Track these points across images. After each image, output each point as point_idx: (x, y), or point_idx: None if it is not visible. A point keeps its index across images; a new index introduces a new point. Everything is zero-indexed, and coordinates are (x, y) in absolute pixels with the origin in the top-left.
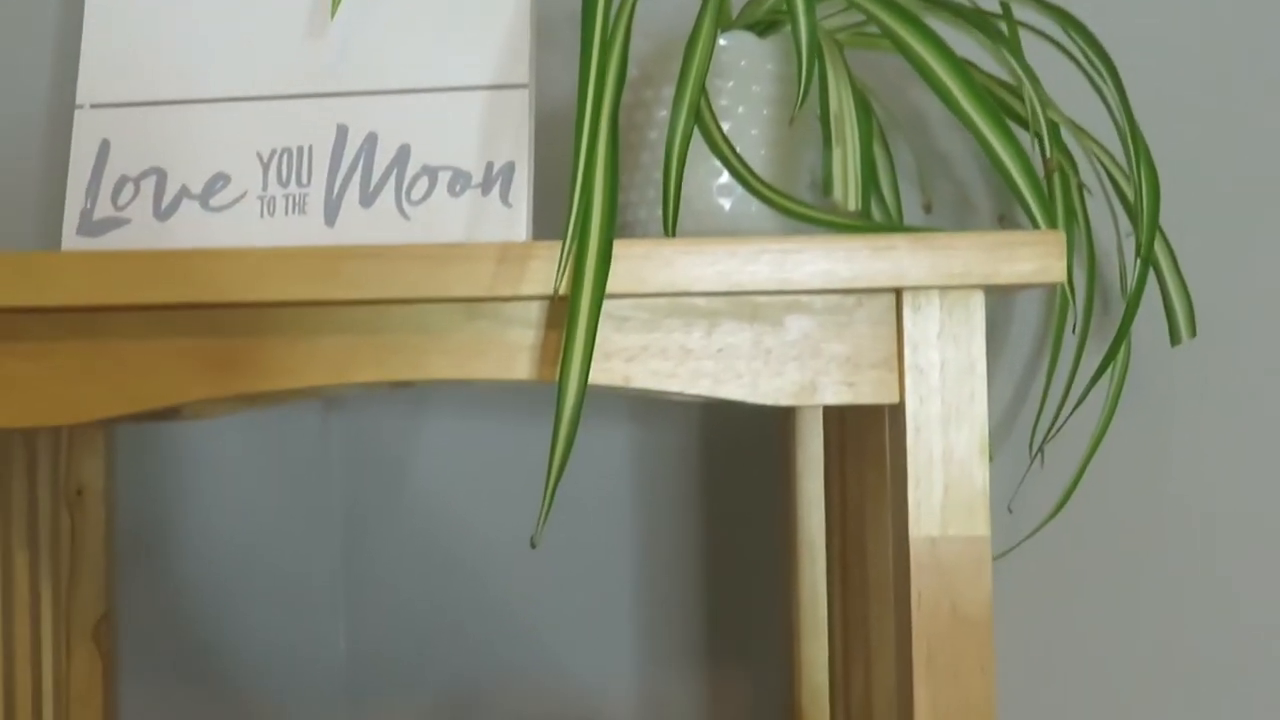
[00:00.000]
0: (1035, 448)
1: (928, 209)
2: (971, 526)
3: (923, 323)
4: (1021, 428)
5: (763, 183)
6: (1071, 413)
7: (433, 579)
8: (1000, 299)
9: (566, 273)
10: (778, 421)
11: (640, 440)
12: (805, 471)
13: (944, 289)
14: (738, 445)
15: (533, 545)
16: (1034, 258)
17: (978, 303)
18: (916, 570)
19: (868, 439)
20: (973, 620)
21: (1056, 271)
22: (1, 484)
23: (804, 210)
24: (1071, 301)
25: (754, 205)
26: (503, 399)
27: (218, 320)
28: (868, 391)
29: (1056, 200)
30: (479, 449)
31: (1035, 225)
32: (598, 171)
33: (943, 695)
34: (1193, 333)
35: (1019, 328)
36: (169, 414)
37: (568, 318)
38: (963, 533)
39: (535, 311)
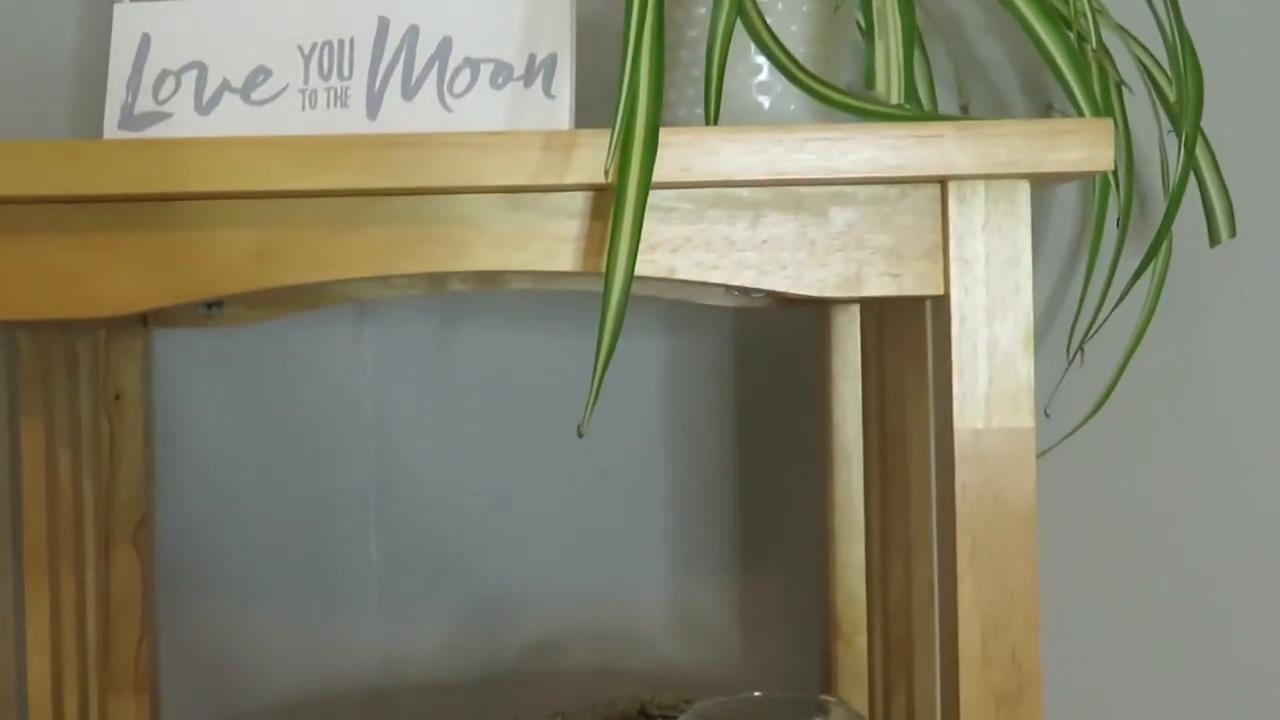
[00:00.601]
0: (1076, 346)
1: (964, 111)
2: (1016, 418)
3: (968, 214)
4: (1057, 334)
5: (807, 73)
6: (1111, 311)
7: (464, 489)
8: (1036, 203)
9: (614, 159)
10: (811, 328)
11: (673, 349)
12: (840, 375)
13: (989, 179)
14: (771, 352)
15: (580, 434)
16: (1081, 145)
17: (1023, 194)
18: (960, 463)
19: (908, 337)
20: (1016, 512)
21: (1103, 160)
22: (44, 386)
23: (848, 100)
24: (1116, 190)
25: (793, 104)
26: (533, 308)
27: (261, 211)
28: (912, 283)
29: (1096, 95)
30: (510, 360)
31: (1080, 114)
32: (644, 56)
33: (986, 588)
34: (1232, 233)
35: (1053, 236)
36: (207, 316)
37: (614, 204)
38: (1007, 424)
39: (579, 202)
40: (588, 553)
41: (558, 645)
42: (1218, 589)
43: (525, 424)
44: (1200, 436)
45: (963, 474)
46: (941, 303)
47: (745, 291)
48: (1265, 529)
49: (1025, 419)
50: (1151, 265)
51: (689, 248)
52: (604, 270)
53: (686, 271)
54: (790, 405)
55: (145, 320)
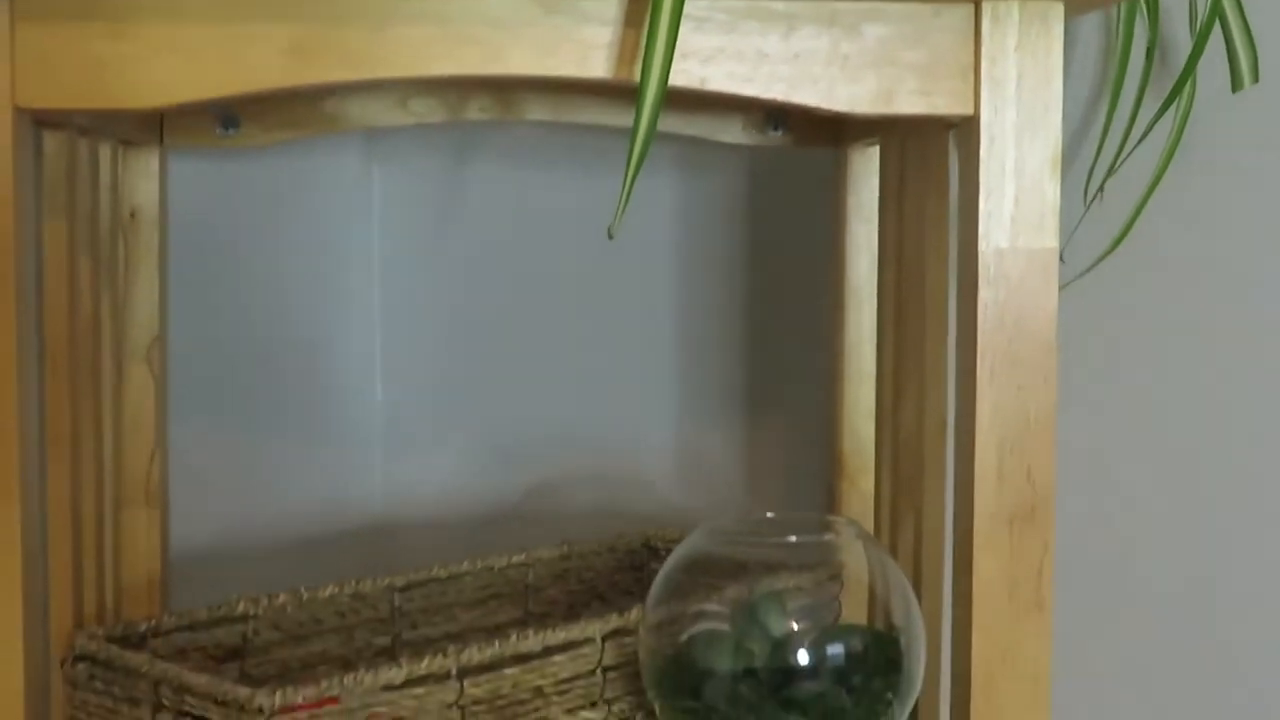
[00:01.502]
0: (1096, 187)
1: None
2: (1041, 239)
3: (1000, 34)
4: (1074, 180)
5: None
6: (1132, 150)
7: (470, 329)
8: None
9: None
10: (826, 169)
11: (686, 191)
12: (855, 216)
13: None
14: (785, 195)
15: (610, 236)
16: None
17: (1056, 15)
18: (984, 282)
19: (931, 168)
20: (1037, 333)
21: None
22: (68, 190)
23: None
24: (1143, 15)
25: None
26: (545, 148)
27: (296, 6)
28: (943, 102)
29: None
30: (521, 200)
31: None
32: None
33: (1004, 408)
34: (1255, 78)
35: (1074, 81)
36: (223, 136)
37: (650, 10)
38: (1031, 245)
39: (613, 9)
40: (594, 394)
41: (562, 486)
42: (1230, 423)
43: (535, 264)
44: (1216, 280)
45: (985, 294)
46: (970, 123)
47: (762, 128)
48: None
49: (1050, 240)
50: (1174, 104)
51: (721, 58)
52: (637, 78)
53: (718, 83)
54: (802, 248)
55: (161, 138)
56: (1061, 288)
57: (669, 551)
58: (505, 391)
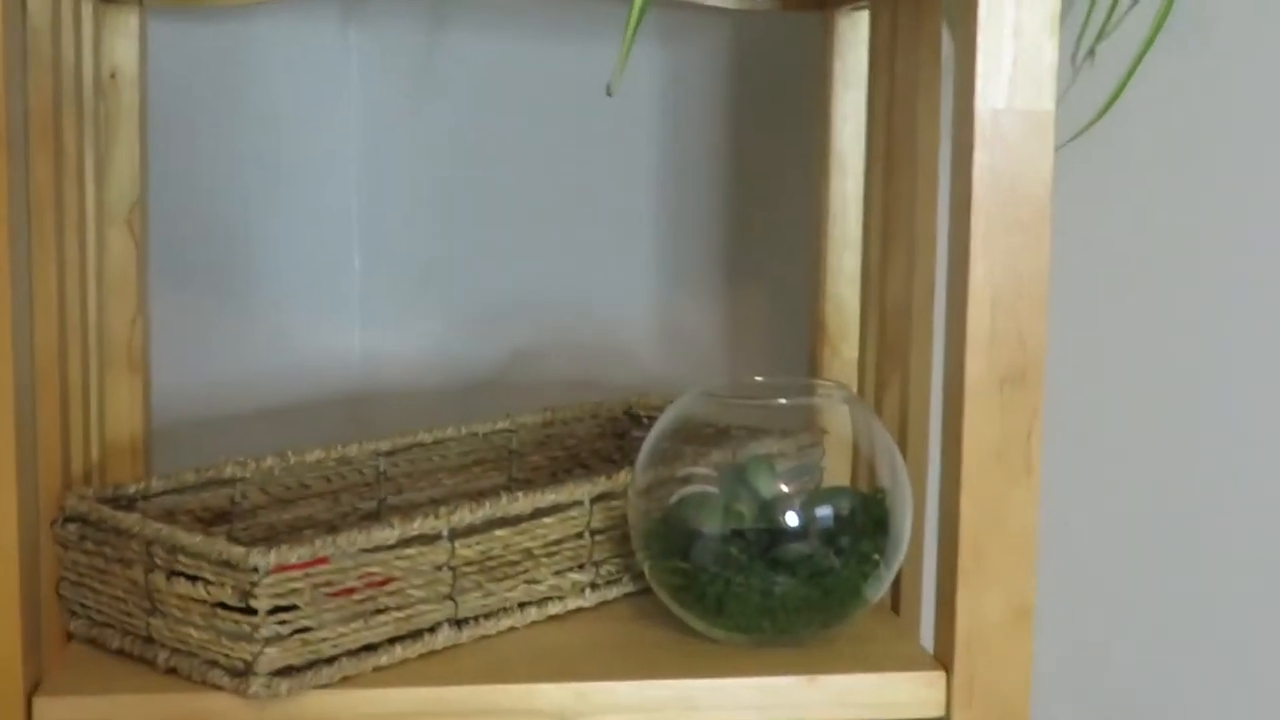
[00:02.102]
0: (1087, 49)
1: None
2: (1038, 100)
3: None
4: (1064, 41)
5: None
6: (1126, 12)
7: (450, 197)
8: None
9: None
10: (813, 35)
11: (670, 57)
12: (841, 82)
13: None
14: (770, 61)
15: (609, 93)
16: None
17: None
18: (980, 144)
19: (924, 30)
20: (1032, 194)
21: None
22: (52, 45)
23: None
24: None
25: None
26: (527, 14)
27: None
28: None
29: None
30: (503, 67)
31: None
32: None
33: (997, 270)
34: None
35: None
36: None
37: None
38: (1029, 106)
39: None
40: (574, 264)
41: (543, 355)
42: (1219, 289)
43: (516, 132)
44: (1206, 147)
45: (981, 155)
46: None
47: None
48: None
49: (1047, 101)
50: None
51: None
52: None
53: None
54: (787, 115)
55: None
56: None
57: (651, 419)
58: (485, 260)
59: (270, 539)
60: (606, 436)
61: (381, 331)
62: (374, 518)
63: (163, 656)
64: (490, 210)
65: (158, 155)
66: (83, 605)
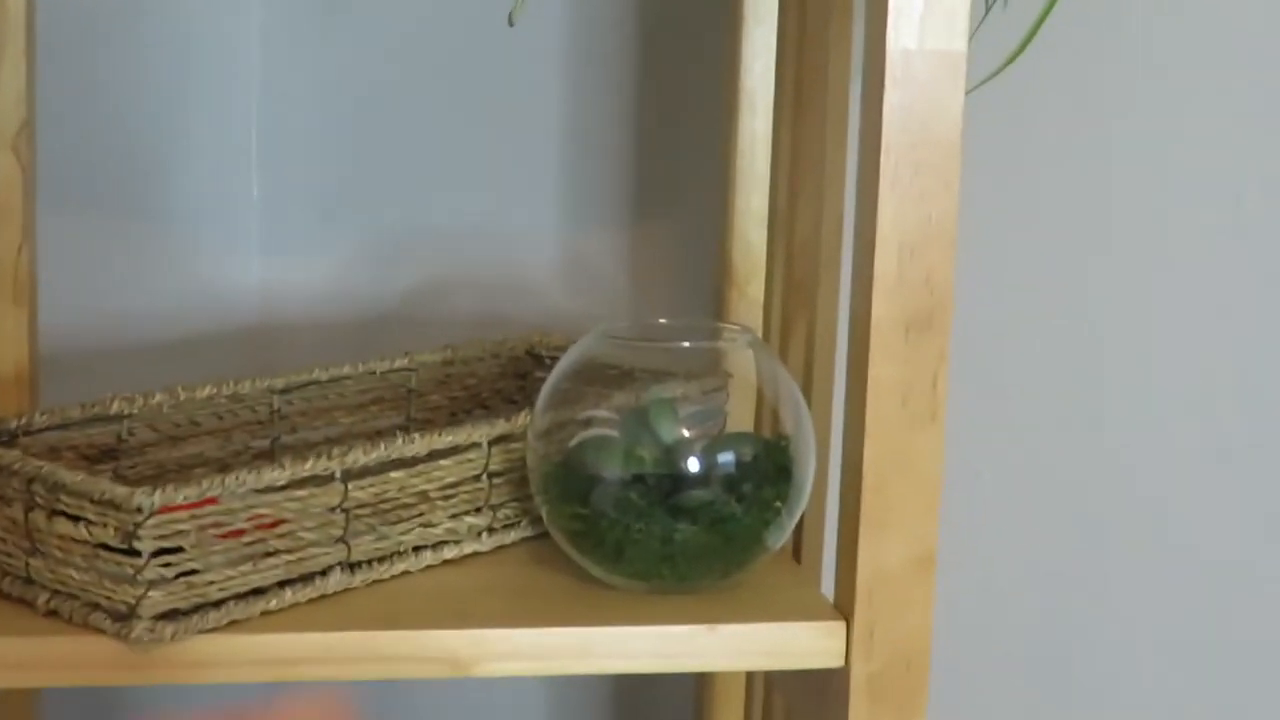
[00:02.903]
0: None
1: None
2: (950, 40)
3: None
4: None
5: None
6: None
7: (353, 125)
8: None
9: None
10: None
11: None
12: (753, 16)
13: None
14: None
15: (510, 22)
16: None
17: None
18: (890, 83)
19: None
20: (943, 137)
21: None
22: None
23: None
24: None
25: None
26: None
27: None
28: None
29: None
30: None
31: None
32: None
33: (906, 212)
34: None
35: None
36: None
37: None
38: (940, 46)
39: None
40: (479, 196)
41: (443, 290)
42: (1125, 227)
43: (420, 58)
44: (1119, 90)
45: (892, 96)
46: None
47: None
48: (1188, 175)
49: (959, 42)
50: None
51: None
52: None
53: None
54: (697, 49)
55: None
56: (969, 91)
57: (554, 359)
58: (388, 191)
59: (159, 477)
60: (508, 376)
61: (281, 263)
62: (267, 457)
63: (43, 598)
64: (393, 140)
65: (48, 75)
66: None
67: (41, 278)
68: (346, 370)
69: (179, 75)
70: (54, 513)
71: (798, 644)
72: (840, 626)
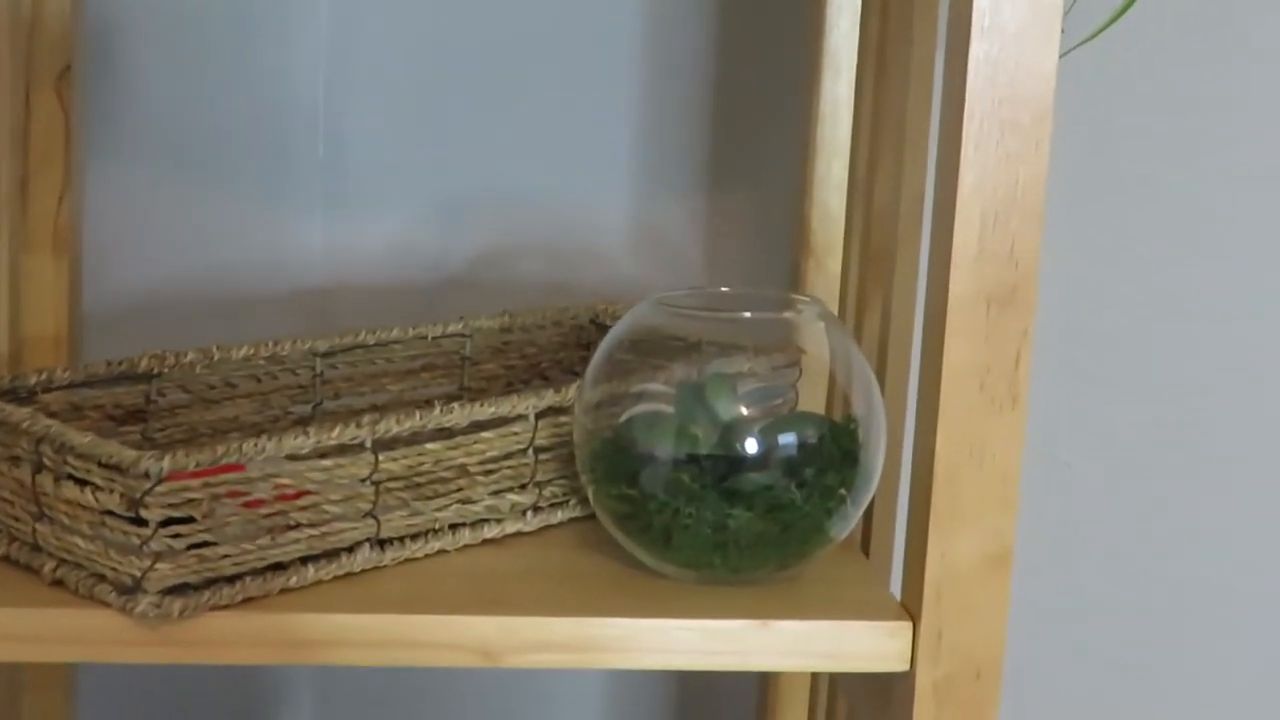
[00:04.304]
0: None
1: None
2: None
3: None
4: None
5: None
6: None
7: (422, 85)
8: None
9: None
10: None
11: None
12: None
13: None
14: None
15: None
16: None
17: None
18: (977, 34)
19: None
20: (1033, 94)
21: None
22: None
23: None
24: None
25: None
26: None
27: None
28: None
29: None
30: None
31: None
32: None
33: (989, 177)
34: None
35: None
36: None
37: None
38: None
39: None
40: (547, 161)
41: (510, 255)
42: (1219, 199)
43: (493, 20)
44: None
45: (978, 48)
46: None
47: None
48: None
49: None
50: None
51: None
52: None
53: None
54: (777, 10)
55: None
56: (1065, 54)
57: None
58: (455, 152)
59: (189, 442)
60: (570, 346)
61: (344, 224)
62: (306, 423)
63: (49, 567)
64: (463, 98)
65: (97, 14)
66: None
67: (91, 233)
68: (395, 334)
69: (244, 25)
70: (61, 476)
71: (858, 645)
72: (905, 627)
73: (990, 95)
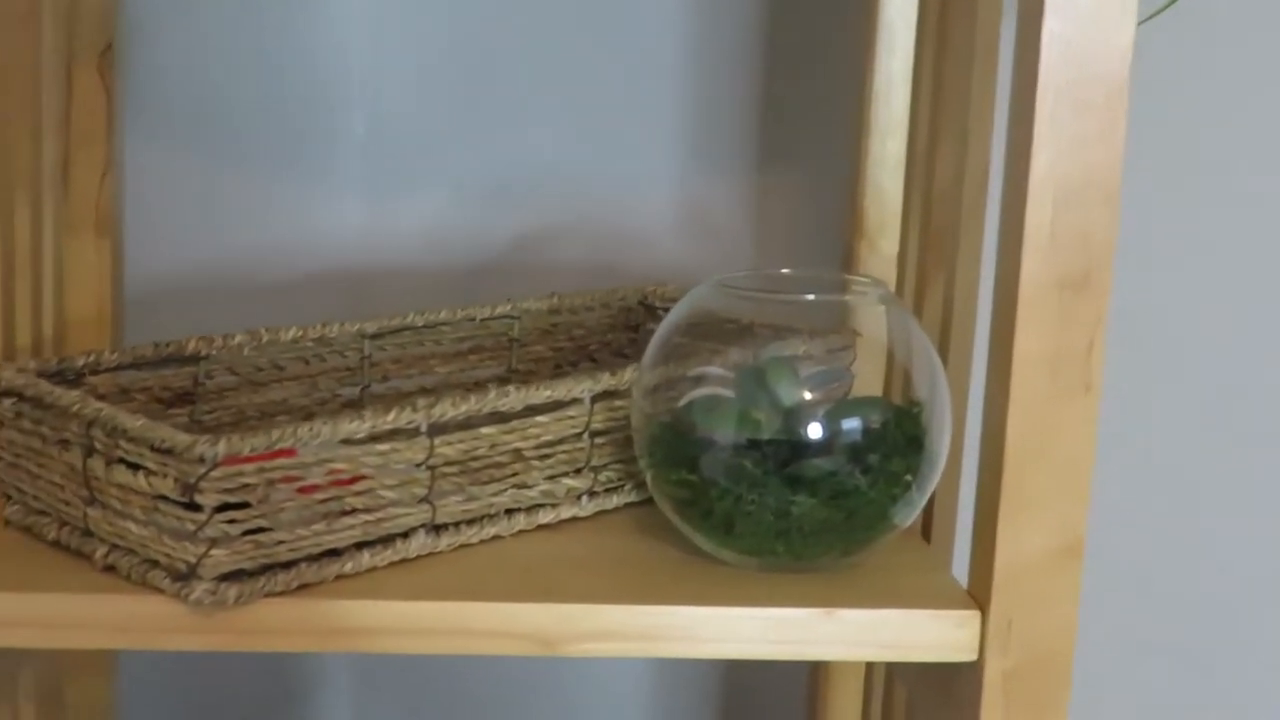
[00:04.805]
0: None
1: None
2: None
3: None
4: None
5: None
6: None
7: (464, 62)
8: None
9: None
10: None
11: None
12: None
13: None
14: None
15: None
16: None
17: None
18: (1050, 10)
19: None
20: (1109, 73)
21: None
22: None
23: None
24: None
25: None
26: None
27: None
28: None
29: None
30: None
31: None
32: None
33: (1063, 158)
34: None
35: None
36: None
37: None
38: None
39: None
40: (591, 139)
41: (554, 237)
42: None
43: None
44: None
45: (1052, 23)
46: None
47: None
48: None
49: None
50: None
51: None
52: None
53: None
54: None
55: None
56: (1142, 21)
57: (667, 311)
58: (497, 132)
59: (237, 424)
60: (618, 328)
61: (384, 204)
62: (356, 406)
63: (100, 552)
64: (506, 75)
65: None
66: (19, 489)
67: (132, 214)
68: (444, 315)
69: (285, 4)
70: (113, 460)
71: (925, 634)
72: (974, 617)
73: (1063, 74)
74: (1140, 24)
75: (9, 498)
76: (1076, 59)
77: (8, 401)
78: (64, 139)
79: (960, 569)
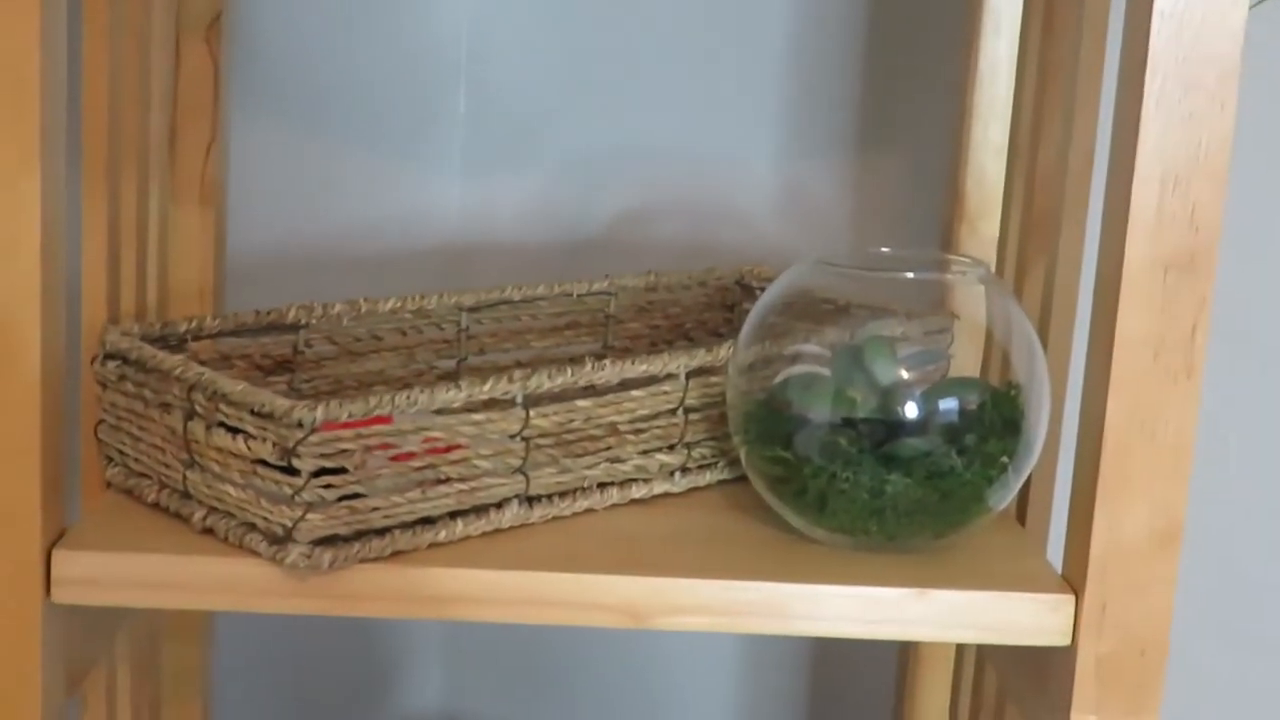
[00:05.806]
0: None
1: None
2: None
3: None
4: None
5: None
6: None
7: (566, 41)
8: None
9: None
10: None
11: None
12: None
13: None
14: None
15: None
16: None
17: None
18: None
19: None
20: (1219, 53)
21: None
22: None
23: None
24: None
25: None
26: None
27: None
28: None
29: None
30: None
31: None
32: None
33: (1171, 137)
34: None
35: None
36: None
37: None
38: None
39: None
40: (691, 118)
41: (651, 215)
42: None
43: None
44: None
45: (1162, 2)
46: None
47: None
48: None
49: None
50: None
51: None
52: None
53: None
54: None
55: None
56: (1256, 3)
57: (764, 291)
58: (598, 109)
59: (335, 393)
60: (715, 307)
61: (484, 181)
62: (451, 378)
63: (199, 514)
64: (607, 56)
65: None
66: (120, 452)
67: (234, 187)
68: (541, 290)
69: None
70: (213, 424)
71: (1019, 617)
72: (1069, 601)
73: (1173, 53)
74: (1251, 7)
75: (110, 460)
76: (1187, 40)
77: (111, 364)
78: (171, 110)
79: (1055, 554)
